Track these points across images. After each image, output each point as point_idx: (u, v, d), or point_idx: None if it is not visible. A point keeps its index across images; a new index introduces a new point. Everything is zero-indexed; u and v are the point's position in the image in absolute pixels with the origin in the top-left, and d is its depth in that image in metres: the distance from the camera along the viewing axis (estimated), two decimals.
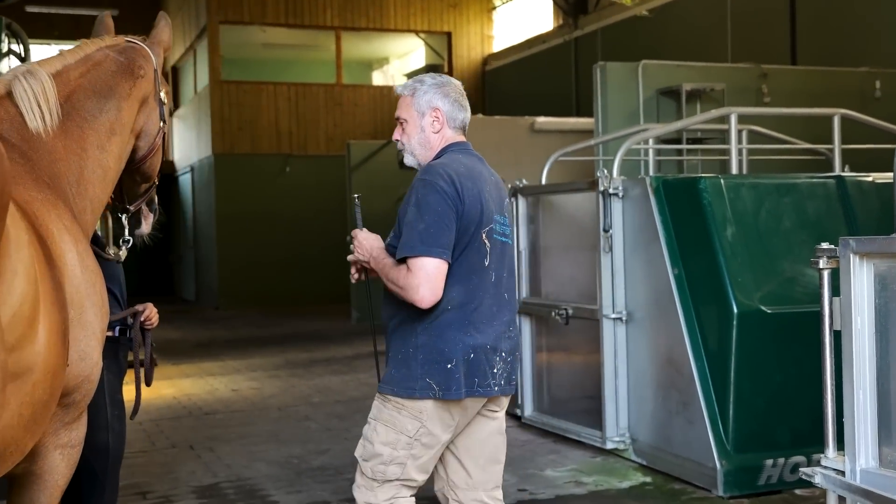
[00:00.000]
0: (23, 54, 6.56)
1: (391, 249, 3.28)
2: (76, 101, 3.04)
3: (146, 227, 3.66)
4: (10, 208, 2.16)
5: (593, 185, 6.36)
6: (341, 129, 20.75)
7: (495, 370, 3.27)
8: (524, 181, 7.32)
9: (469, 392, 3.21)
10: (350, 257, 3.42)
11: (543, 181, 7.42)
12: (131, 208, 3.56)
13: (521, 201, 7.31)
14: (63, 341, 2.47)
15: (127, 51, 3.30)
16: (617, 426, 6.34)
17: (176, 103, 24.34)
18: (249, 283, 19.81)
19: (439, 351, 3.19)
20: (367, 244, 3.34)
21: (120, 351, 3.76)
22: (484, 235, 3.25)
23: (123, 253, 3.60)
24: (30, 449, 2.48)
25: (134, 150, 3.36)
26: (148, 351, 3.83)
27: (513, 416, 7.75)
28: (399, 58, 24.16)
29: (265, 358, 12.39)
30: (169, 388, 9.94)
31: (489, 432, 3.45)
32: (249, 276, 19.87)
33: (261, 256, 19.91)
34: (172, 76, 24.38)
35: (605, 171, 6.29)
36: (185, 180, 23.20)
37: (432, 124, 3.32)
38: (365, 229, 3.42)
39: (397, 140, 3.39)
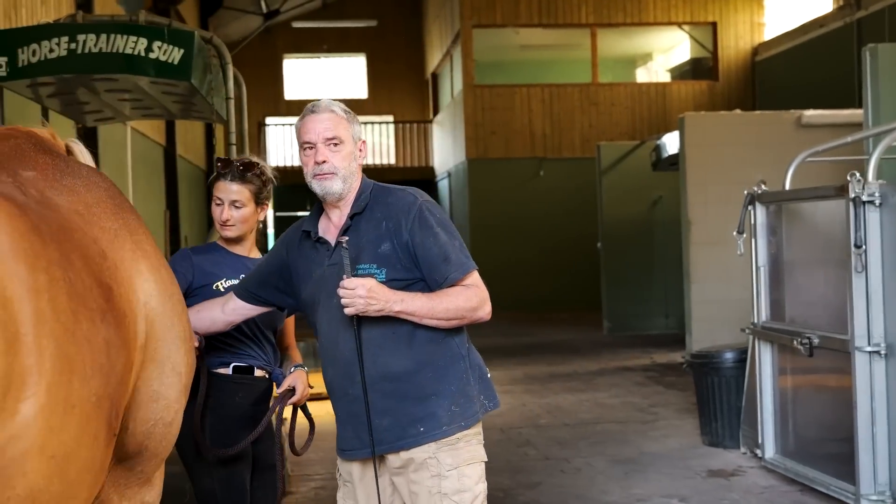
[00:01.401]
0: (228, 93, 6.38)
1: (396, 285, 2.92)
2: None
3: None
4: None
5: (842, 190, 5.34)
6: (596, 129, 20.00)
7: None
8: (763, 186, 6.34)
9: None
10: (349, 311, 2.87)
11: (787, 186, 6.40)
12: None
13: (760, 210, 6.34)
14: (98, 414, 2.06)
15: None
16: (874, 481, 5.29)
17: (435, 109, 24.61)
18: (501, 289, 19.37)
19: (478, 365, 3.12)
20: (381, 291, 2.87)
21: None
22: None
23: None
24: None
25: None
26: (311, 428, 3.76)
27: (754, 455, 6.79)
28: (663, 52, 23.03)
29: (504, 370, 11.95)
30: None
31: None
32: (502, 282, 19.52)
33: (514, 262, 19.57)
34: (432, 83, 24.66)
35: (857, 175, 5.24)
36: (444, 186, 23.35)
37: (360, 154, 3.09)
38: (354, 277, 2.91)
39: (323, 162, 2.98)
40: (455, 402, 2.97)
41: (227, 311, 3.31)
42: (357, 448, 3.02)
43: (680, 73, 21.74)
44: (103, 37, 5.55)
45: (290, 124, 24.53)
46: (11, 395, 1.86)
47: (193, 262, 3.64)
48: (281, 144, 24.60)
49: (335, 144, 2.99)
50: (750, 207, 6.38)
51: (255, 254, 3.81)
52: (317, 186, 3.00)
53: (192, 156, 17.97)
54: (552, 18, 20.32)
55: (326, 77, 25.94)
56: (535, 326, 17.01)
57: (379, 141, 25.02)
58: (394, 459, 3.00)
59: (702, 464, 6.86)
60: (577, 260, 18.77)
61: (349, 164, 3.01)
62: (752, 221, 6.40)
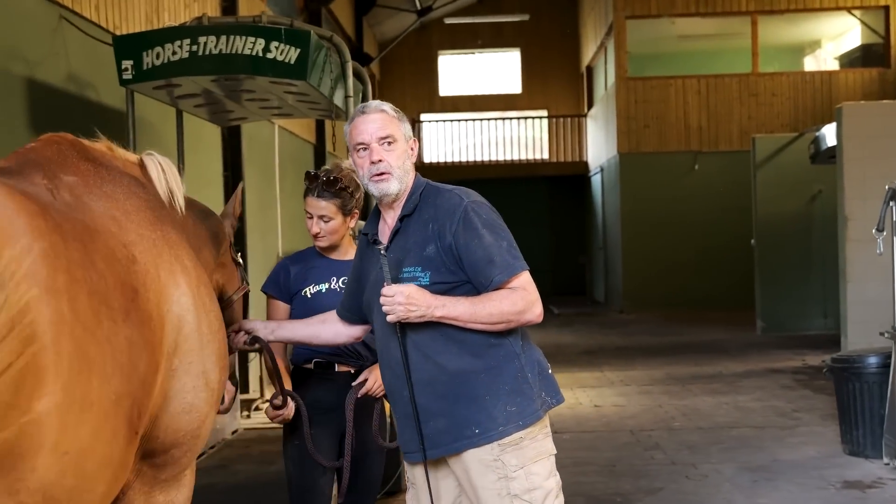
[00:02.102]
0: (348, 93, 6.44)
1: (441, 288, 2.88)
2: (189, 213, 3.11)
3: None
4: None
5: None
6: (756, 121, 19.23)
7: None
8: None
9: None
10: (391, 318, 2.84)
11: None
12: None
13: None
14: (117, 411, 2.11)
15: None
16: None
17: (589, 103, 24.27)
18: (654, 287, 19.07)
19: (537, 361, 3.01)
20: (421, 297, 2.82)
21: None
22: None
23: None
24: None
25: None
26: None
27: (893, 468, 6.35)
28: (832, 39, 21.90)
29: (646, 370, 11.67)
30: None
31: None
32: (654, 279, 19.14)
33: (666, 259, 19.07)
34: (587, 77, 24.33)
35: None
36: (596, 181, 23.00)
37: (411, 153, 3.05)
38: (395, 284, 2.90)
39: (379, 161, 2.95)
40: (511, 402, 2.89)
41: (343, 326, 3.34)
42: (415, 451, 2.98)
43: (849, 60, 20.63)
44: (223, 38, 5.73)
45: (446, 120, 24.85)
46: (26, 392, 1.90)
47: (290, 271, 3.81)
48: (436, 141, 24.84)
49: (389, 143, 2.96)
50: (892, 203, 5.95)
51: (352, 254, 3.87)
52: (373, 189, 2.99)
53: (342, 153, 18.36)
54: (710, 7, 19.67)
55: (481, 72, 26.01)
56: (686, 325, 16.52)
57: (532, 135, 24.88)
58: (455, 461, 2.94)
59: (838, 474, 6.46)
60: (734, 258, 18.11)
61: (403, 163, 2.98)
62: (894, 219, 5.97)
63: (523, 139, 24.71)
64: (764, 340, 13.99)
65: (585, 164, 24.38)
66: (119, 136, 6.02)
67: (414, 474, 3.08)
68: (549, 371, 3.07)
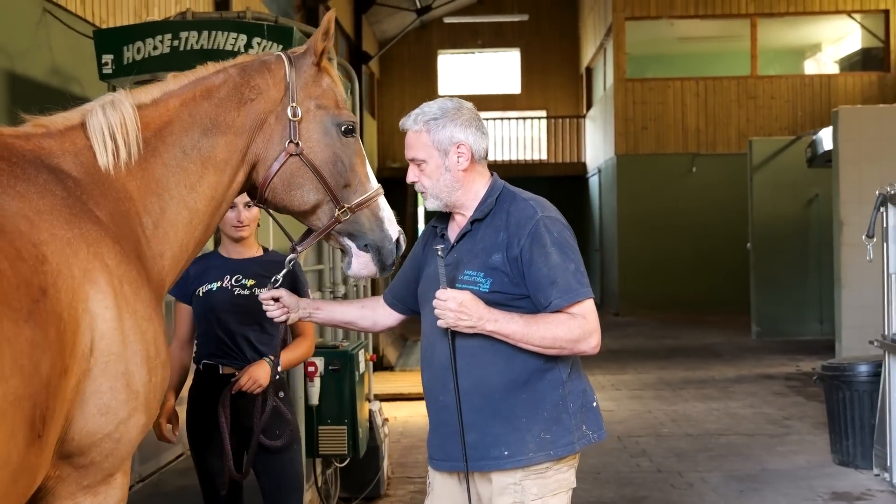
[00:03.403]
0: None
1: (469, 287, 2.79)
2: (167, 135, 2.69)
3: (358, 266, 2.96)
4: None
5: None
6: (754, 123, 19.13)
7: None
8: None
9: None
10: (440, 323, 2.77)
11: None
12: (299, 249, 3.02)
13: (893, 212, 5.81)
14: (15, 413, 2.06)
15: (247, 69, 2.84)
16: None
17: (588, 104, 24.17)
18: (651, 289, 18.96)
19: (583, 392, 2.89)
20: (475, 308, 2.73)
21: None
22: None
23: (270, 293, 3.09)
24: None
25: (254, 180, 2.86)
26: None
27: (883, 479, 6.26)
28: (832, 43, 21.80)
29: (638, 374, 11.58)
30: None
31: None
32: (651, 282, 19.03)
33: (663, 261, 18.97)
34: (586, 77, 24.23)
35: None
36: (594, 182, 22.90)
37: (458, 161, 2.86)
38: (450, 288, 2.78)
39: (414, 182, 2.90)
40: (547, 430, 2.80)
41: (386, 314, 3.22)
42: (441, 459, 2.92)
43: (849, 64, 20.54)
44: (205, 34, 5.63)
45: None
46: None
47: (190, 273, 3.79)
48: None
49: (418, 164, 2.91)
50: (882, 209, 5.85)
51: (254, 252, 3.95)
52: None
53: None
54: (710, 9, 19.58)
55: (480, 72, 25.91)
56: (681, 329, 16.43)
57: (531, 136, 24.79)
58: (478, 477, 2.88)
59: (826, 484, 6.36)
60: (731, 261, 18.02)
61: (437, 180, 2.89)
62: (885, 224, 5.87)
63: (522, 139, 24.61)
64: (758, 345, 13.90)
65: (584, 166, 24.28)
66: None
67: (434, 480, 3.01)
68: (595, 404, 2.94)
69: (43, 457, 2.17)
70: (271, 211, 2.96)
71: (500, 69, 25.91)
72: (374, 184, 2.91)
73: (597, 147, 22.48)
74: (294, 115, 2.80)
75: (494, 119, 24.53)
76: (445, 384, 2.83)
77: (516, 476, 2.79)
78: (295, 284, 3.60)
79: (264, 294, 3.08)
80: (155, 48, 5.60)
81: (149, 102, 2.69)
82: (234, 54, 5.59)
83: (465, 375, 2.81)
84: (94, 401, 2.30)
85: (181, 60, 5.59)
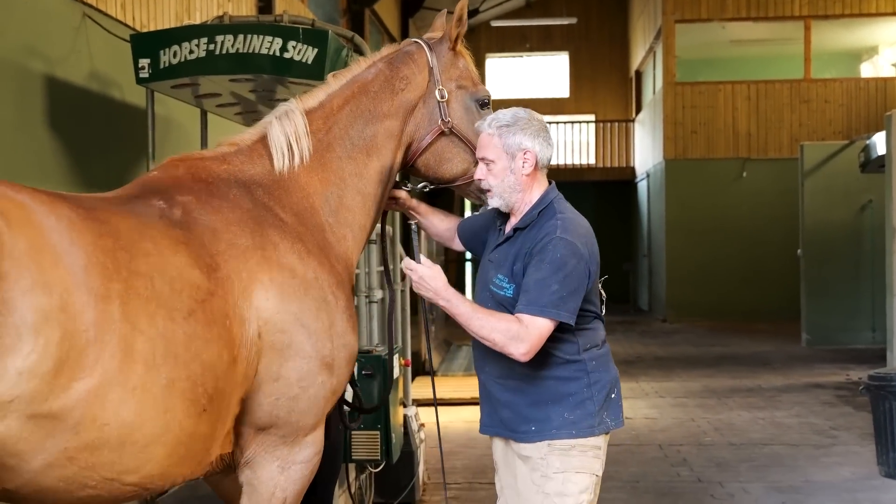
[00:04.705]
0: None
1: (498, 291, 3.10)
2: (337, 133, 3.12)
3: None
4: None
5: None
6: (807, 128, 18.79)
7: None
8: None
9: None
10: (414, 287, 3.12)
11: None
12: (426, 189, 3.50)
13: None
14: (169, 392, 2.46)
15: (394, 61, 3.25)
16: None
17: (638, 108, 23.93)
18: (699, 296, 18.69)
19: (608, 383, 3.15)
20: (433, 283, 3.04)
21: None
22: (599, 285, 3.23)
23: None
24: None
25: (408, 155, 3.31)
26: None
27: None
28: (889, 45, 21.33)
29: (684, 382, 11.40)
30: None
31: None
32: (699, 288, 18.76)
33: (712, 267, 18.70)
34: (635, 81, 24.00)
35: None
36: (642, 187, 22.66)
37: (523, 166, 3.11)
38: (426, 259, 3.10)
39: (481, 180, 3.17)
40: (571, 412, 3.07)
41: (451, 229, 3.55)
42: (487, 425, 3.25)
43: None
44: (240, 38, 5.62)
45: None
46: (66, 374, 2.27)
47: None
48: None
49: (487, 164, 3.13)
50: None
51: None
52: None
53: None
54: (762, 12, 19.27)
55: (528, 76, 25.80)
56: (730, 336, 16.17)
57: (579, 140, 24.61)
58: (514, 445, 3.19)
59: (871, 498, 6.19)
60: (782, 268, 17.69)
61: (502, 181, 3.12)
62: None
63: (570, 143, 24.44)
64: (808, 354, 13.62)
65: (632, 170, 24.04)
66: (142, 136, 5.99)
67: (496, 453, 3.30)
68: (614, 395, 3.17)
69: (216, 426, 2.56)
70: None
71: (549, 73, 25.77)
72: None
73: (645, 151, 22.25)
74: (442, 96, 3.23)
75: None
76: (484, 363, 3.20)
77: (542, 451, 3.07)
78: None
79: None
80: (191, 52, 5.61)
81: (316, 106, 3.11)
82: (269, 58, 5.61)
83: (496, 359, 3.09)
84: (265, 372, 2.68)
85: (217, 64, 5.62)
